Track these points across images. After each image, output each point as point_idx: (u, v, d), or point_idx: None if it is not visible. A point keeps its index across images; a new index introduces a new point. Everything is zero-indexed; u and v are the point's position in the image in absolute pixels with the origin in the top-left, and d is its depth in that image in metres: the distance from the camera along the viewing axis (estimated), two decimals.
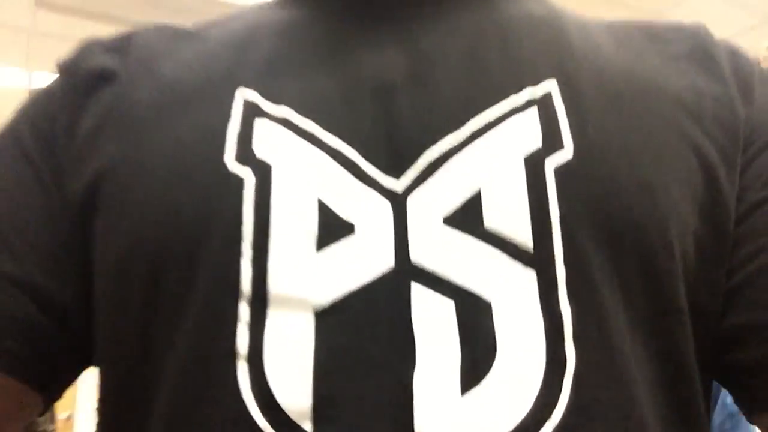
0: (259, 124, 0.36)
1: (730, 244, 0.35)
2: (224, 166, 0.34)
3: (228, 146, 0.35)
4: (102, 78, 0.40)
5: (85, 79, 0.40)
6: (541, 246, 0.32)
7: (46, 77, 4.08)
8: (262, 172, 0.34)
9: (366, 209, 0.34)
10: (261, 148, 0.35)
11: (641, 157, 0.35)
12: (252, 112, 0.36)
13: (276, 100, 0.36)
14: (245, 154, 0.35)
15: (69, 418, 4.86)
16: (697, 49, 0.40)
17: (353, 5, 0.41)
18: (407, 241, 0.33)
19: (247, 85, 0.37)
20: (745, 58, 0.40)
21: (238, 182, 0.34)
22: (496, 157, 0.34)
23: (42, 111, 0.41)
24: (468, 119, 0.35)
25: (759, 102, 0.38)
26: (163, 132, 0.37)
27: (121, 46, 0.42)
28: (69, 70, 0.42)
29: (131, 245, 0.35)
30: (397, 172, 0.34)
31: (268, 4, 0.45)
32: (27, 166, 0.39)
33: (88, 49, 0.43)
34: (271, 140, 0.35)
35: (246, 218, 0.33)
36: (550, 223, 0.33)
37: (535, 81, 0.37)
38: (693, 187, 0.35)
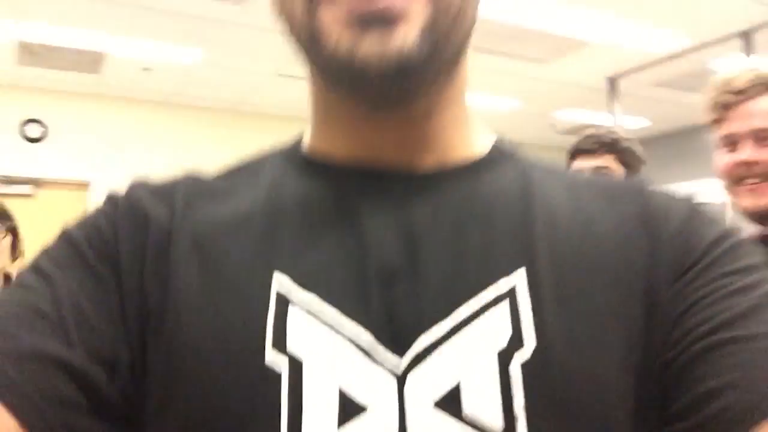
0: (292, 314, 0.44)
1: (658, 374, 0.44)
2: (265, 360, 0.43)
3: (267, 338, 0.43)
4: (154, 229, 0.48)
5: (140, 226, 0.49)
6: (509, 428, 0.41)
7: (34, 28, 4.02)
8: (295, 366, 0.42)
9: (376, 390, 0.42)
10: (294, 341, 0.43)
11: (587, 348, 0.43)
12: (286, 300, 0.45)
13: (305, 286, 0.45)
14: (281, 346, 0.43)
15: None
16: (641, 209, 0.49)
17: (356, 178, 0.50)
18: (405, 419, 0.42)
19: (281, 270, 0.46)
20: (679, 207, 0.49)
21: (277, 376, 0.42)
22: (474, 353, 0.43)
23: (98, 234, 0.48)
24: (453, 310, 0.44)
25: (685, 239, 0.47)
26: (211, 316, 0.45)
27: (167, 197, 0.51)
28: (122, 207, 0.50)
29: (185, 424, 0.43)
30: (399, 351, 0.43)
31: (288, 162, 0.54)
32: (91, 276, 0.46)
33: (137, 191, 0.51)
34: (301, 332, 0.44)
35: (283, 406, 0.41)
36: (515, 409, 0.41)
37: (507, 271, 0.45)
38: (629, 354, 0.44)
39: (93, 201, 5.15)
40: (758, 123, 1.31)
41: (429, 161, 0.51)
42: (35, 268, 0.47)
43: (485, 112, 5.74)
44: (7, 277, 1.93)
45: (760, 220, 1.37)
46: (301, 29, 0.48)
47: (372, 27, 0.45)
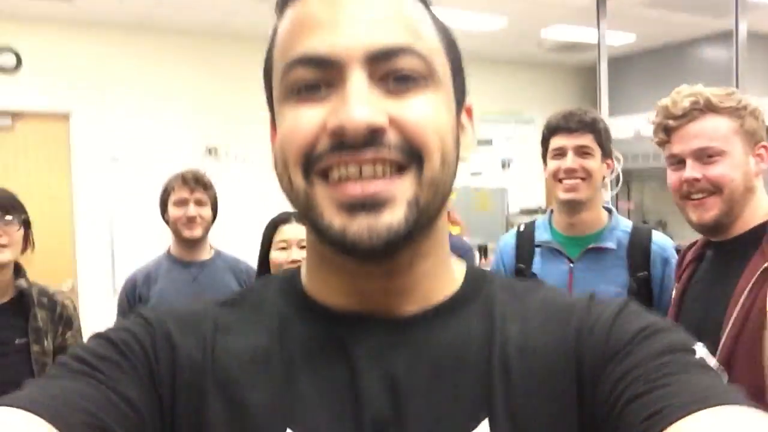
0: None
1: None
2: None
3: None
4: (185, 360, 0.57)
5: (171, 353, 0.57)
6: None
7: None
8: None
9: None
10: None
11: None
12: None
13: None
14: None
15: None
16: (580, 323, 0.57)
17: (349, 325, 0.58)
18: None
19: (293, 427, 0.54)
20: (608, 312, 0.57)
21: None
22: None
23: (137, 341, 0.56)
24: None
25: (606, 340, 0.55)
26: None
27: (195, 330, 0.58)
28: (157, 329, 0.58)
29: None
30: None
31: (290, 303, 0.61)
32: (136, 378, 0.54)
33: (166, 320, 0.59)
34: None
35: None
36: None
37: (476, 420, 0.53)
38: None
39: (74, 132, 5.09)
40: (698, 143, 1.41)
41: (411, 306, 0.59)
42: (81, 359, 0.54)
43: (472, 32, 5.61)
44: (17, 268, 1.97)
45: (707, 231, 1.49)
46: (299, 200, 0.55)
47: (361, 212, 0.52)
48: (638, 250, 1.90)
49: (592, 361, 0.54)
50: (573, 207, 1.91)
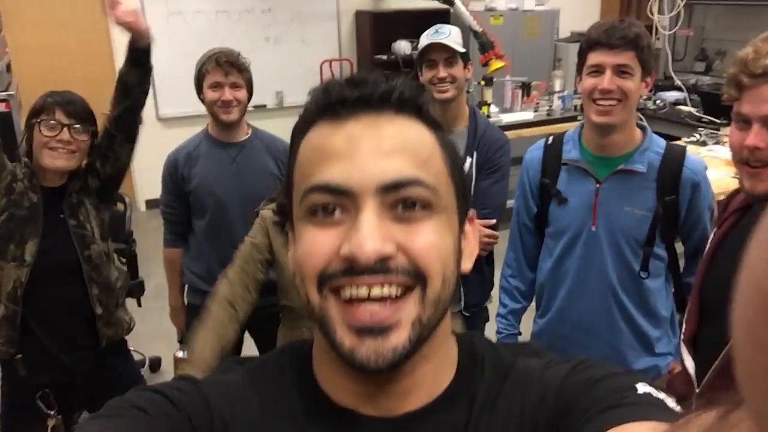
0: None
1: None
2: None
3: None
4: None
5: (222, 422, 0.64)
6: None
7: None
8: None
9: None
10: None
11: None
12: None
13: None
14: None
15: None
16: (534, 395, 0.64)
17: (355, 425, 0.64)
18: None
19: None
20: (557, 379, 0.63)
21: None
22: None
23: (188, 399, 0.64)
24: None
25: (559, 395, 0.62)
26: None
27: (240, 404, 0.66)
28: (210, 394, 0.66)
29: None
30: None
31: (304, 394, 0.67)
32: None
33: (212, 388, 0.67)
34: None
35: None
36: None
37: None
38: None
39: None
40: None
41: (412, 403, 0.65)
42: (132, 404, 0.61)
43: None
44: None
45: (758, 200, 1.40)
46: (314, 313, 0.63)
47: (368, 336, 0.60)
48: (669, 172, 1.84)
49: (547, 427, 0.61)
50: (605, 129, 1.83)
